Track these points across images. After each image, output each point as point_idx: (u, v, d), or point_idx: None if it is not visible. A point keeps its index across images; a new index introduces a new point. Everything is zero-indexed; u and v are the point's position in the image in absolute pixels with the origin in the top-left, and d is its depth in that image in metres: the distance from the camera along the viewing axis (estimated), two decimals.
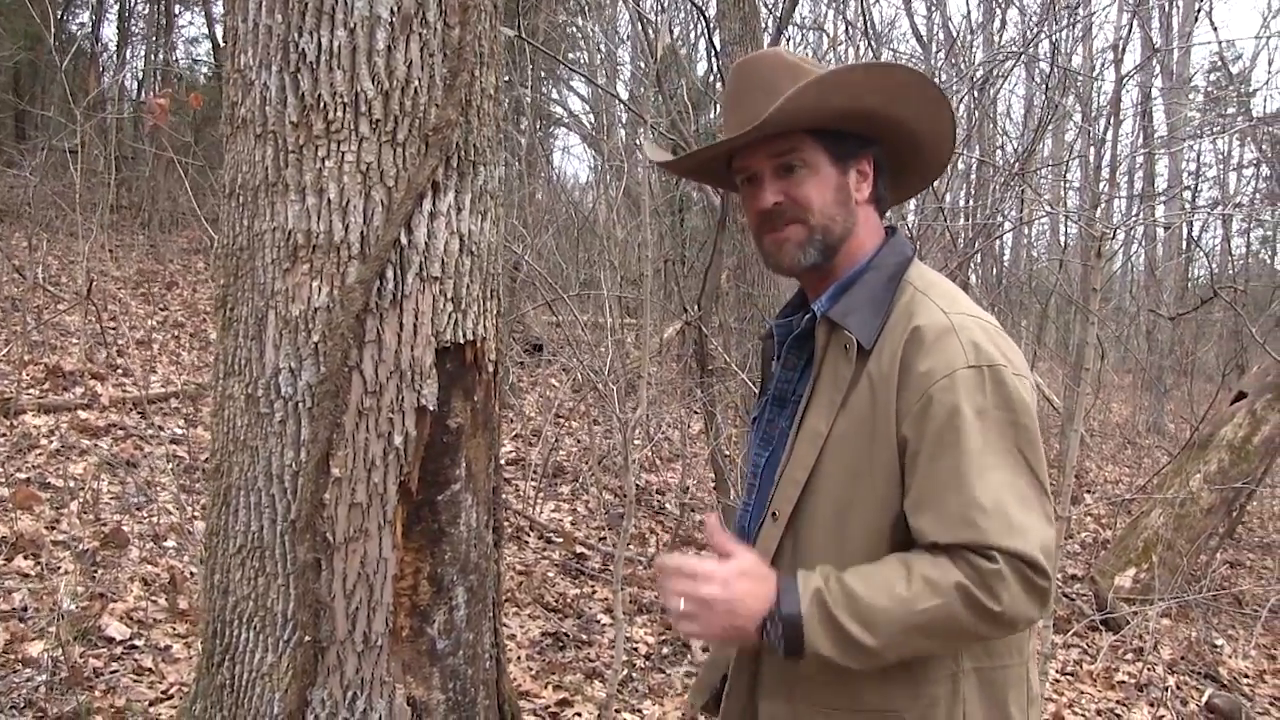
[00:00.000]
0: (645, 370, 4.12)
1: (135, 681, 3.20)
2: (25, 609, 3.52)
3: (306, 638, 1.97)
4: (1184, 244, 15.58)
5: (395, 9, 1.93)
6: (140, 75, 16.06)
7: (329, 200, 1.94)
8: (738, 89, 1.61)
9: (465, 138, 2.04)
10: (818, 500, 1.50)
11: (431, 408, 2.01)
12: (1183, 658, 5.51)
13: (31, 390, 5.92)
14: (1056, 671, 5.08)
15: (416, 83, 1.96)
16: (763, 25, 6.12)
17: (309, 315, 1.95)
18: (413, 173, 1.96)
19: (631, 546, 5.77)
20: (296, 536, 1.97)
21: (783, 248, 1.57)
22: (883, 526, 1.45)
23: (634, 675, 4.15)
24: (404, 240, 1.96)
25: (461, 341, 2.07)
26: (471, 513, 2.13)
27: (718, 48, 6.18)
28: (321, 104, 1.92)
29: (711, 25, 6.11)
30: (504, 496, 5.98)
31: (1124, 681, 5.07)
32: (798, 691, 1.52)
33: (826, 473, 1.49)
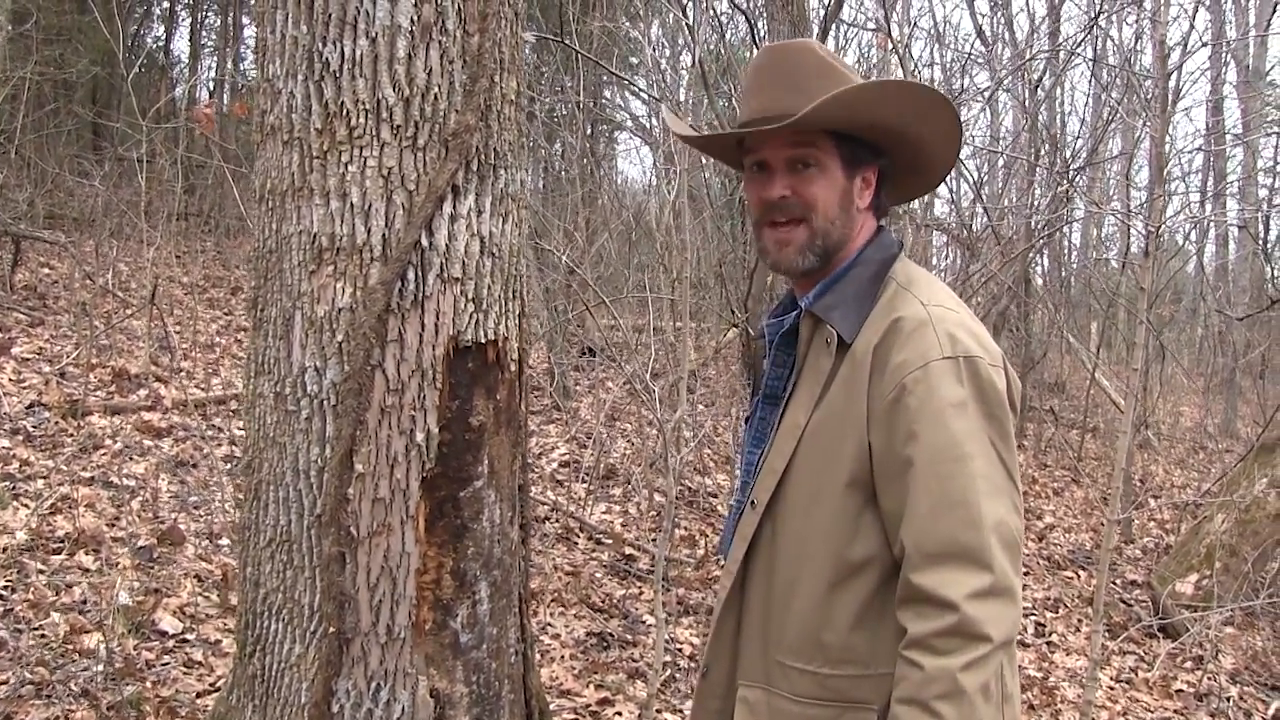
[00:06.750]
0: (684, 372, 4.14)
1: (185, 674, 3.31)
2: (84, 602, 3.65)
3: (331, 629, 2.03)
4: (1260, 244, 15.11)
5: (415, 18, 1.98)
6: (211, 86, 16.54)
7: (352, 204, 1.99)
8: (765, 76, 1.62)
9: (485, 142, 2.08)
10: (793, 488, 1.55)
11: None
12: (1247, 668, 5.36)
13: (98, 392, 6.12)
14: (1110, 679, 4.97)
15: (436, 89, 2.00)
16: (810, 27, 6.09)
17: (333, 316, 2.01)
18: (433, 176, 2.01)
19: (680, 548, 5.78)
20: (322, 530, 2.03)
21: (784, 250, 1.60)
22: (848, 508, 1.49)
23: (676, 676, 4.16)
24: (425, 242, 2.01)
25: (483, 341, 2.11)
26: (495, 509, 2.17)
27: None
28: (344, 111, 1.98)
29: (756, 30, 6.10)
30: (556, 499, 6.06)
31: (1182, 690, 4.95)
32: (775, 680, 1.55)
33: (801, 462, 1.54)
